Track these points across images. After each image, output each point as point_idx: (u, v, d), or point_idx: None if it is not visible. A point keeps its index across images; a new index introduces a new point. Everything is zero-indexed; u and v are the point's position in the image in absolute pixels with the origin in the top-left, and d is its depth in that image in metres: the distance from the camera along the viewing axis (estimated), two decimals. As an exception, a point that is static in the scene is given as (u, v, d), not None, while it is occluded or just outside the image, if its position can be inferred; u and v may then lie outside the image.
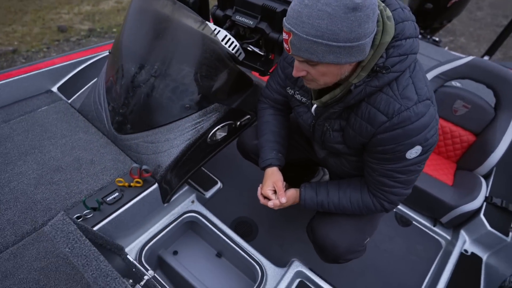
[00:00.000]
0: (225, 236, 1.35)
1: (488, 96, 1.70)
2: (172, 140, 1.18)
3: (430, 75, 1.75)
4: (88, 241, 0.77)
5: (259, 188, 1.03)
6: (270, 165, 1.04)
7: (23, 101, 1.38)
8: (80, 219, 1.01)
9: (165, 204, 1.30)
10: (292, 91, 1.01)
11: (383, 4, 0.75)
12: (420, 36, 2.79)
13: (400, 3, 0.79)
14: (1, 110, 1.32)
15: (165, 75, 1.14)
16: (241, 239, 1.35)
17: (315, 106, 0.91)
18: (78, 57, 1.52)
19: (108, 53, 1.35)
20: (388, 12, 0.73)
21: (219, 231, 1.36)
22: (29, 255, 0.92)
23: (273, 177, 1.02)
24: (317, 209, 1.02)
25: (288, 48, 0.72)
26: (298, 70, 0.76)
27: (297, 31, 0.66)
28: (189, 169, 1.30)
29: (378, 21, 0.71)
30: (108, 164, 1.20)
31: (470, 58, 1.65)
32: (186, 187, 1.40)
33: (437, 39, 3.11)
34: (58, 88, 1.48)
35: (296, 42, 0.68)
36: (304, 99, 0.97)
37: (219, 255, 1.49)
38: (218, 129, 1.25)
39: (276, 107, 1.15)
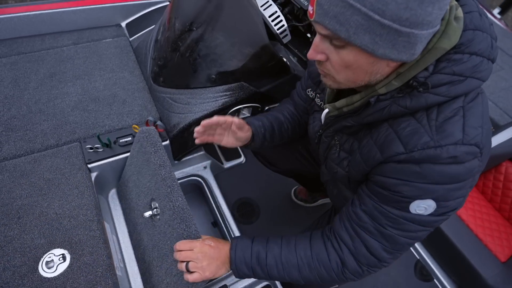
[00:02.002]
0: (218, 210, 1.36)
1: None
2: (192, 106, 1.18)
3: None
4: (164, 150, 0.93)
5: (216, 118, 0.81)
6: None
7: (94, 29, 1.53)
8: (91, 150, 1.13)
9: (176, 161, 1.36)
10: (314, 93, 0.84)
11: (455, 2, 0.54)
12: None
13: (481, 8, 0.55)
14: (75, 33, 1.50)
15: (199, 39, 1.11)
16: (233, 220, 1.34)
17: (325, 111, 0.73)
18: (151, -2, 1.58)
19: (168, 2, 1.36)
20: (459, 12, 0.52)
21: (215, 204, 1.38)
22: (44, 165, 1.08)
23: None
24: (252, 267, 0.74)
25: (311, 12, 0.51)
26: (317, 50, 0.55)
27: None
28: (205, 137, 1.30)
29: (442, 19, 0.50)
30: (136, 108, 1.28)
31: None
32: (202, 152, 1.42)
33: None
34: (126, 24, 1.59)
35: (325, 1, 0.48)
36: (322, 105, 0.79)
37: (214, 224, 1.53)
38: (240, 108, 1.20)
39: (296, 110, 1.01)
